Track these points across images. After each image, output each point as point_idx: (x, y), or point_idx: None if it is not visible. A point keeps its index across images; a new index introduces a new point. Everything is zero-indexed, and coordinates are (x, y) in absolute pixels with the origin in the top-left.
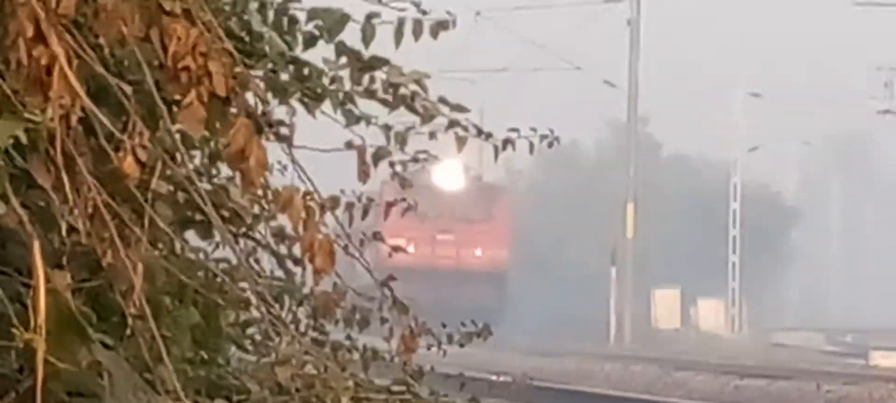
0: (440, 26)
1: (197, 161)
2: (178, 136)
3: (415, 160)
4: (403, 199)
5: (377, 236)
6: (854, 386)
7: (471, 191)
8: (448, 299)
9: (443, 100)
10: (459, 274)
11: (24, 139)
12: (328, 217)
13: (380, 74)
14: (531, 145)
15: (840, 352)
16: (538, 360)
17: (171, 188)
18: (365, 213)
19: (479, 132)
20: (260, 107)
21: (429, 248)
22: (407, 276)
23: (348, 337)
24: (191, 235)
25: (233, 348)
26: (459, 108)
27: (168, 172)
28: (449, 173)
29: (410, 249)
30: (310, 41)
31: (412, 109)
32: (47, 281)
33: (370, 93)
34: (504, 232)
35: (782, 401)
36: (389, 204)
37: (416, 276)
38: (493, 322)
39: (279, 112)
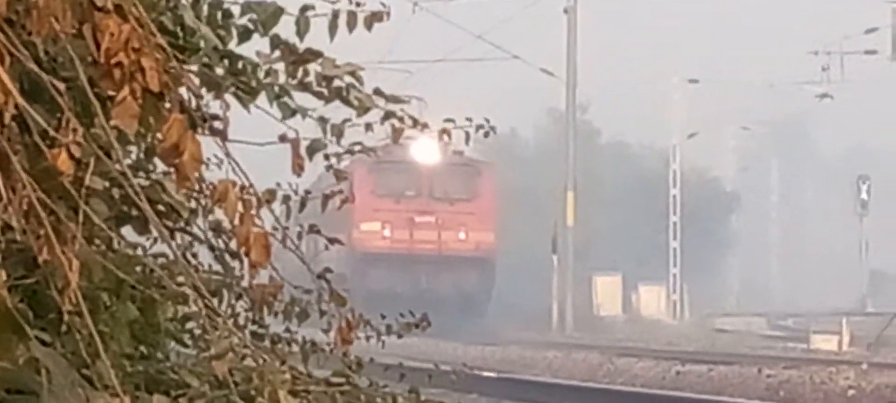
0: (374, 18)
1: (132, 157)
2: (112, 132)
3: (350, 152)
4: (339, 192)
5: (313, 228)
6: (795, 370)
7: (452, 166)
8: (430, 288)
9: (378, 92)
10: (442, 259)
11: None
12: (275, 208)
13: (314, 67)
14: (467, 135)
15: (781, 337)
16: (480, 349)
17: (107, 184)
18: (302, 206)
19: (415, 123)
20: (194, 102)
21: (407, 232)
22: (383, 263)
23: (287, 330)
24: (127, 231)
25: (172, 343)
26: (395, 100)
27: (103, 168)
28: (427, 148)
29: (386, 233)
30: (244, 35)
31: (346, 102)
32: None
33: (304, 86)
34: (490, 212)
35: (724, 386)
36: (326, 197)
37: (393, 263)
38: (479, 313)
39: (214, 106)
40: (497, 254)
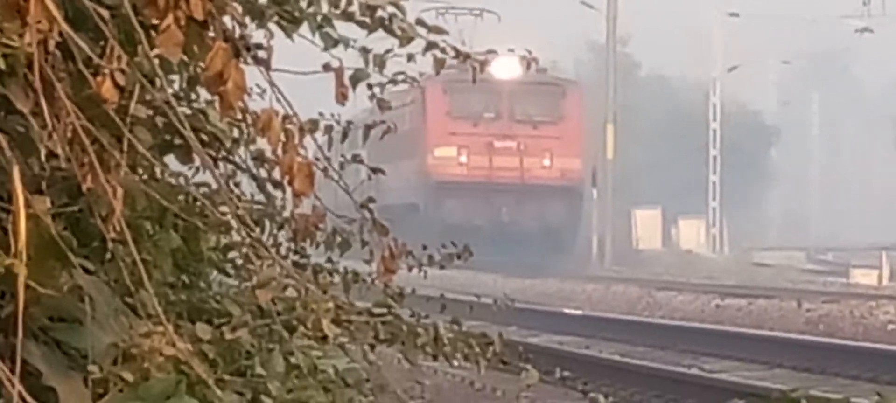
0: None
1: (176, 85)
2: (156, 61)
3: (393, 81)
4: (382, 122)
5: (356, 158)
6: (835, 304)
7: (535, 86)
8: (512, 221)
9: (420, 22)
10: (525, 189)
11: (2, 64)
12: (319, 137)
13: None
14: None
15: (821, 271)
16: (520, 282)
17: (150, 112)
18: (344, 136)
19: (458, 54)
20: (237, 31)
21: (485, 158)
22: (460, 193)
23: (329, 260)
24: (170, 160)
25: (214, 272)
26: (437, 30)
27: (147, 97)
28: (508, 65)
29: (462, 159)
30: None
31: (390, 31)
32: (27, 206)
33: (347, 16)
34: (577, 136)
35: (763, 320)
36: (368, 127)
37: (471, 193)
38: (566, 249)
39: (257, 35)
40: (583, 183)
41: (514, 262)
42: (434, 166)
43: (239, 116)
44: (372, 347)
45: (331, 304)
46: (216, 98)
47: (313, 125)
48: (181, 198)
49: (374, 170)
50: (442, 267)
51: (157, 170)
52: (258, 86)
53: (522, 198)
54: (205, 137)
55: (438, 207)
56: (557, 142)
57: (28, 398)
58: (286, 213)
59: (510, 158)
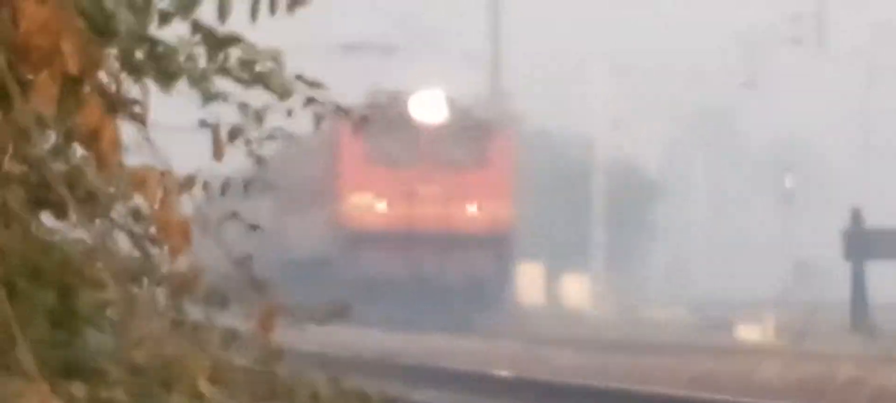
0: (296, 2)
1: (51, 141)
2: (31, 116)
3: (271, 137)
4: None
5: (234, 215)
6: (719, 360)
7: (460, 126)
8: (436, 273)
9: (300, 77)
10: (449, 239)
11: None
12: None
13: (235, 52)
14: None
15: (706, 326)
16: (403, 337)
17: (25, 168)
18: (223, 192)
19: (338, 108)
20: (114, 86)
21: (407, 206)
22: (378, 244)
23: (208, 317)
24: (46, 216)
25: (90, 329)
26: (316, 85)
27: (21, 152)
28: (430, 105)
29: (380, 207)
30: (164, 19)
31: (268, 87)
32: None
33: (225, 72)
34: (506, 181)
35: (648, 376)
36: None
37: (390, 244)
38: (494, 303)
39: (134, 91)
40: (515, 232)
41: (437, 319)
42: (349, 215)
43: (115, 173)
44: None
45: (208, 362)
46: (92, 154)
47: (190, 181)
48: (56, 255)
49: (252, 227)
50: (320, 324)
51: (32, 227)
52: (135, 142)
53: (447, 249)
54: (81, 194)
55: (353, 260)
56: (485, 188)
57: None
58: (164, 270)
59: (433, 205)
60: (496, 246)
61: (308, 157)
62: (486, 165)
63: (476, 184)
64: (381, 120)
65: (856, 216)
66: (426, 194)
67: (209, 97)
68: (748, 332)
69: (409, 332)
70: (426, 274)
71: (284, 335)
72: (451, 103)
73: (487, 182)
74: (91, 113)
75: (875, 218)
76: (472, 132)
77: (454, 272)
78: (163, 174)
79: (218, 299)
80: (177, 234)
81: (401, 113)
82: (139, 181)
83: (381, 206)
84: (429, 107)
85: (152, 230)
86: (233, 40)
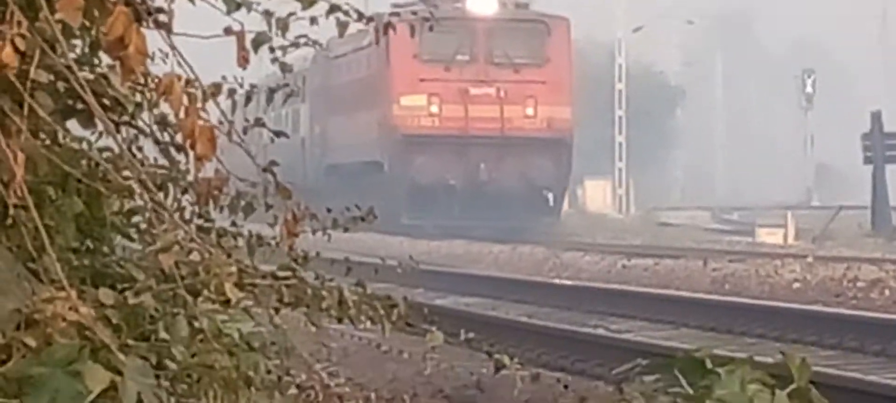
0: None
1: (77, 50)
2: (57, 26)
3: (295, 45)
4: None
5: (258, 122)
6: (740, 263)
7: (516, 23)
8: (490, 179)
9: None
10: (505, 142)
11: None
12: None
13: None
14: (414, 28)
15: (726, 230)
16: (427, 244)
17: (52, 77)
18: (248, 100)
19: (360, 16)
20: None
21: (460, 107)
22: (431, 148)
23: (233, 224)
24: (73, 125)
25: (118, 237)
26: None
27: (48, 62)
28: (486, 2)
29: (433, 109)
30: None
31: None
32: None
33: None
34: (565, 81)
35: (669, 280)
36: (272, 91)
37: (444, 148)
38: (552, 211)
39: (158, 0)
40: (574, 135)
41: (494, 227)
42: (400, 118)
43: (141, 81)
44: (277, 310)
45: (234, 268)
46: (118, 63)
47: (216, 89)
48: (84, 162)
49: (277, 134)
50: (345, 231)
51: (60, 135)
52: (160, 50)
53: (503, 153)
54: (107, 102)
55: (406, 165)
56: (543, 88)
57: None
58: (190, 177)
59: (488, 107)
60: (554, 150)
61: (358, 58)
62: (544, 64)
63: (532, 85)
64: (433, 15)
65: (876, 120)
66: (480, 95)
67: (234, 5)
68: (769, 236)
69: (447, 239)
70: (481, 180)
71: (319, 242)
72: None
73: (546, 81)
74: (116, 22)
75: (895, 123)
76: (530, 27)
77: (510, 178)
78: (188, 82)
79: (244, 206)
80: (202, 142)
81: (455, 6)
82: (165, 89)
83: (434, 108)
84: (481, 2)
85: (178, 137)
86: None
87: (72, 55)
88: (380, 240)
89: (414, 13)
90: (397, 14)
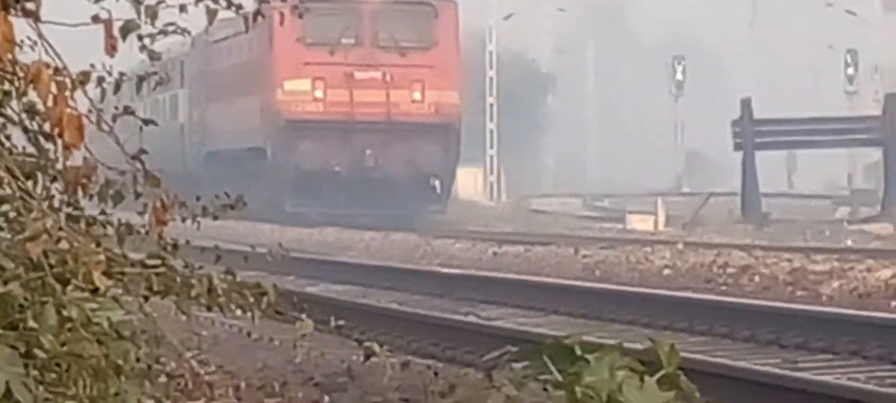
0: None
1: None
2: None
3: (163, 33)
4: (153, 74)
5: (127, 110)
6: (611, 250)
7: (402, 5)
8: (376, 165)
9: None
10: (392, 128)
11: None
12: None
13: None
14: (282, 15)
15: (597, 217)
16: (299, 231)
17: None
18: (117, 88)
19: (230, 4)
20: None
21: (345, 92)
22: (316, 134)
23: (103, 212)
24: None
25: None
26: None
27: None
28: None
29: (318, 94)
30: None
31: None
32: None
33: None
34: (453, 65)
35: (540, 267)
36: (141, 78)
37: (329, 134)
38: (440, 198)
39: None
40: (461, 119)
41: (381, 216)
42: (284, 103)
43: (8, 69)
44: (146, 299)
45: (103, 256)
46: None
47: (84, 77)
48: None
49: (146, 122)
50: (215, 218)
51: None
52: (28, 38)
53: (390, 139)
54: None
55: (290, 151)
56: (430, 72)
57: None
58: (58, 166)
59: (375, 92)
60: (442, 136)
61: (239, 42)
62: (431, 47)
63: (419, 69)
64: None
65: (746, 107)
66: (366, 80)
67: None
68: (639, 222)
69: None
70: (367, 167)
71: (190, 230)
72: None
73: (433, 65)
74: None
75: (764, 110)
76: (417, 10)
77: (397, 164)
78: (57, 70)
79: (113, 194)
80: (70, 130)
81: None
82: (33, 77)
83: (318, 93)
84: None
85: (47, 126)
86: None
87: None
88: (251, 228)
89: None
90: None
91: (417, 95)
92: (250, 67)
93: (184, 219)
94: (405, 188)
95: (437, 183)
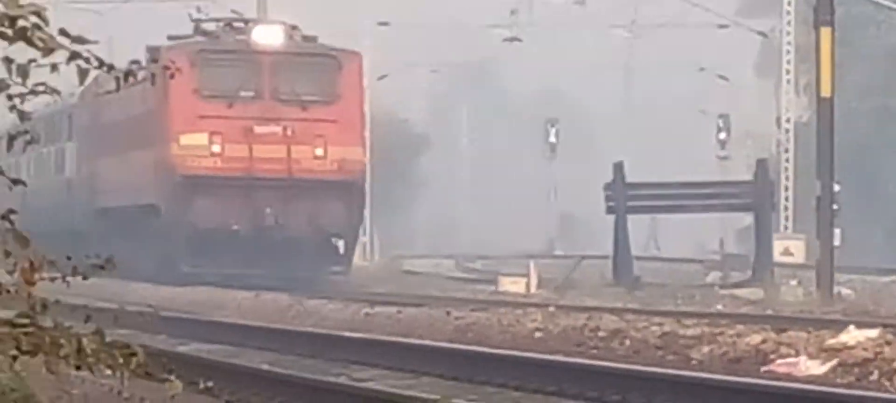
0: None
1: None
2: None
3: (33, 93)
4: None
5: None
6: (483, 312)
7: (304, 57)
8: (277, 224)
9: (63, 32)
10: (293, 185)
11: None
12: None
13: None
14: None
15: (470, 279)
16: (170, 290)
17: None
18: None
19: (101, 64)
20: None
21: (244, 147)
22: (213, 191)
23: None
24: None
25: None
26: (81, 40)
27: None
28: (269, 33)
29: (215, 149)
30: None
31: (30, 43)
32: None
33: None
34: (357, 119)
35: (412, 328)
36: (12, 137)
37: (227, 191)
38: (343, 259)
39: None
40: (366, 177)
41: (280, 278)
42: (179, 158)
43: None
44: (15, 358)
45: None
46: None
47: None
48: None
49: (15, 182)
50: (85, 278)
51: None
52: None
53: (291, 197)
54: None
55: (185, 209)
56: (333, 127)
57: None
58: None
59: (275, 147)
60: (345, 194)
61: (131, 93)
62: (334, 101)
63: (322, 124)
64: (214, 47)
65: (618, 170)
66: (265, 134)
67: None
68: (512, 284)
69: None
70: (267, 226)
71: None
72: (294, 31)
73: (337, 120)
74: None
75: (637, 173)
76: (320, 62)
77: (298, 223)
78: None
79: None
80: None
81: (238, 38)
82: None
83: (216, 147)
84: (267, 35)
85: None
86: None
87: None
88: (123, 286)
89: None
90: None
91: (320, 151)
92: (143, 120)
93: (53, 279)
94: (307, 248)
95: (340, 243)
